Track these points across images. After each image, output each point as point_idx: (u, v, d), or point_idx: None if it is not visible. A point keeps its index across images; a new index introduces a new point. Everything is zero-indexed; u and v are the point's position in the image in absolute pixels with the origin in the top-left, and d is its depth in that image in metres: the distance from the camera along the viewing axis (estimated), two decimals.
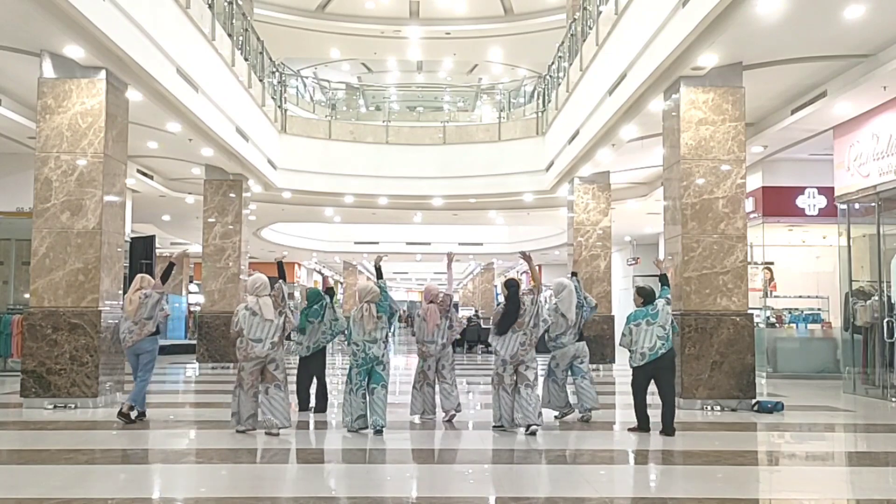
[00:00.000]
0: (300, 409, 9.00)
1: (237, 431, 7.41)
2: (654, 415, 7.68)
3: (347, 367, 7.87)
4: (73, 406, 8.96)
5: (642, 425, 7.72)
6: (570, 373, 8.63)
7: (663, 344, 7.58)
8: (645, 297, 7.88)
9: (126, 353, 8.32)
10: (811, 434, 8.27)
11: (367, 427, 7.62)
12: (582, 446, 7.38)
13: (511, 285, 7.85)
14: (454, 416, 8.33)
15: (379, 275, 8.11)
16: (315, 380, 9.21)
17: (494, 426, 7.74)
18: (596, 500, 5.12)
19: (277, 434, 7.36)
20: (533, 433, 7.44)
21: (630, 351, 7.74)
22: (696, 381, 9.24)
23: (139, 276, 8.47)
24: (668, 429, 7.53)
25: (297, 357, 9.31)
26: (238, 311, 7.54)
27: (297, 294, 32.84)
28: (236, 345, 7.54)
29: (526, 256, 8.23)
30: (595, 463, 6.57)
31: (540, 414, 7.60)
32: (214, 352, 15.51)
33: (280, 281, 7.83)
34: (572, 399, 8.65)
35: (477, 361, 18.87)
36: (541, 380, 8.18)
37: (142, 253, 17.42)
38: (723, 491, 5.41)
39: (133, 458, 6.64)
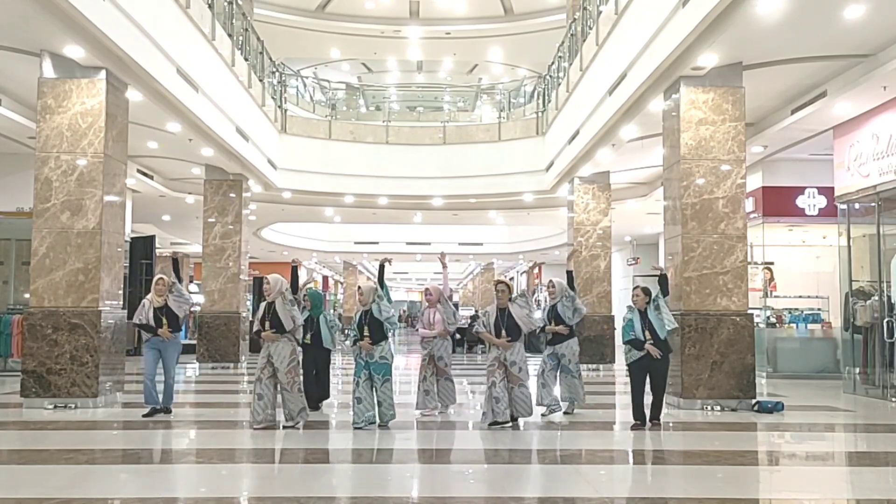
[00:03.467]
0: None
1: (265, 427, 7.55)
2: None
3: (356, 364, 7.91)
4: (73, 406, 8.96)
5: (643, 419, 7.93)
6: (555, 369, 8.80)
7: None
8: (650, 295, 8.06)
9: (147, 347, 8.47)
10: (811, 434, 8.28)
11: (375, 422, 7.79)
12: (582, 446, 7.38)
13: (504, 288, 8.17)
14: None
15: (381, 277, 8.25)
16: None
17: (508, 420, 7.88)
18: (596, 500, 5.12)
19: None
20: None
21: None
22: (696, 381, 9.24)
23: (164, 277, 8.71)
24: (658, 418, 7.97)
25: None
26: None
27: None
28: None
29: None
30: (595, 463, 6.57)
31: None
32: (214, 352, 15.51)
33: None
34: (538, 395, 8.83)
35: (477, 361, 18.87)
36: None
37: (142, 253, 17.44)
38: (723, 491, 5.42)
39: (133, 458, 6.63)
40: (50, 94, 9.32)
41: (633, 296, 8.09)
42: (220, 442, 7.12)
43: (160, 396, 8.51)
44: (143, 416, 8.38)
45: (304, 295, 9.00)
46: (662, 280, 8.20)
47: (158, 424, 8.06)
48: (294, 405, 7.65)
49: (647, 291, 8.02)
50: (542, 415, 8.61)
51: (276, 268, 31.75)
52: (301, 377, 7.74)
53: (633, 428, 7.83)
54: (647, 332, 7.82)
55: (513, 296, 8.02)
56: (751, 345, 9.38)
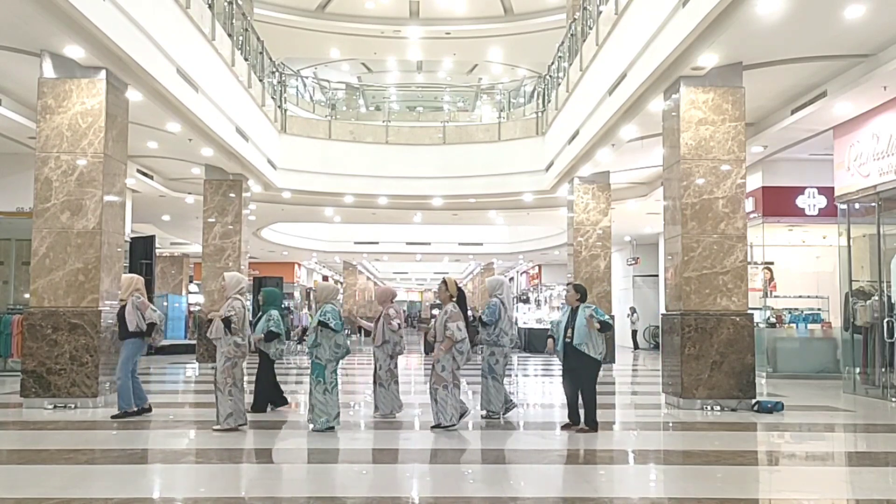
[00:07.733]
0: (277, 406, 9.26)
1: (233, 429, 7.52)
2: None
3: (316, 366, 7.79)
4: (72, 406, 8.96)
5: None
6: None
7: None
8: (581, 293, 8.09)
9: (141, 349, 8.58)
10: (811, 434, 8.27)
11: (339, 424, 7.75)
12: (581, 446, 7.38)
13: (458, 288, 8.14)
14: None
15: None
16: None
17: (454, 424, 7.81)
18: (596, 501, 5.12)
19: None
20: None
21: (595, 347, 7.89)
22: (695, 381, 9.24)
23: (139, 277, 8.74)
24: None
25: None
26: (238, 309, 7.66)
27: (296, 294, 32.88)
28: (231, 343, 7.67)
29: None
30: (595, 463, 6.57)
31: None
32: (214, 352, 15.45)
33: None
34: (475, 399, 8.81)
35: (476, 361, 18.82)
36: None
37: (142, 253, 17.43)
38: (723, 491, 5.41)
39: (133, 458, 6.63)
40: (50, 94, 9.32)
41: (566, 293, 8.17)
42: (219, 442, 7.11)
43: (133, 398, 8.53)
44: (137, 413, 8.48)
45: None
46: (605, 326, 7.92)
47: (157, 424, 8.07)
48: (223, 407, 7.61)
49: (578, 289, 8.05)
50: (491, 413, 8.66)
51: (276, 268, 31.78)
52: (236, 380, 7.64)
53: (563, 428, 7.91)
54: (569, 331, 7.82)
55: (454, 296, 7.99)
56: (751, 345, 9.38)
